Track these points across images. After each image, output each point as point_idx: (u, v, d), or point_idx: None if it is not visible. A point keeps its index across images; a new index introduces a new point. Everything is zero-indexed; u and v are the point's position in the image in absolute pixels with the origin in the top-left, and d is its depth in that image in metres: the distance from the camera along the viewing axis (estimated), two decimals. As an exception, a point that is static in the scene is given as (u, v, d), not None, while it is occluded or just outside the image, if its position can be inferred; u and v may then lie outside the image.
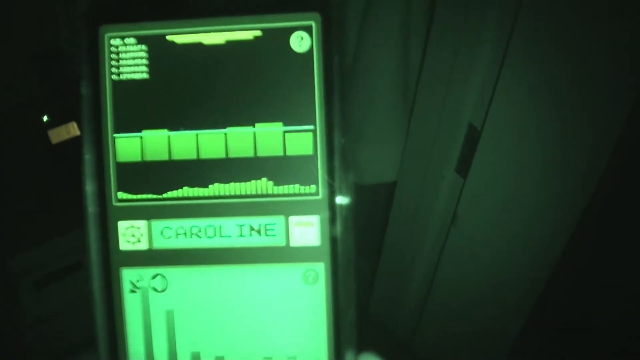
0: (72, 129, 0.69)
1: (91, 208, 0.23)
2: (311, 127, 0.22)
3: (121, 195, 0.23)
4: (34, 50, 0.76)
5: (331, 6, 0.22)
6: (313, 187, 0.22)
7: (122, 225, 0.23)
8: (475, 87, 0.64)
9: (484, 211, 0.69)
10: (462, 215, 0.71)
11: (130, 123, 0.23)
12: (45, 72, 0.77)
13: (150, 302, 0.23)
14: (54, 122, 0.68)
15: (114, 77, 0.23)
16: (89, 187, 0.23)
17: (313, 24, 0.22)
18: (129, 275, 0.23)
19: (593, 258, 0.60)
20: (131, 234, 0.23)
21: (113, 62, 0.23)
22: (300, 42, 0.22)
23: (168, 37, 0.22)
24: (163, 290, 0.23)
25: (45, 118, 0.68)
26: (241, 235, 0.23)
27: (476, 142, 0.65)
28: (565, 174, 0.59)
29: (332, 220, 0.22)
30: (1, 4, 0.72)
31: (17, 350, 0.66)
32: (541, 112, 0.59)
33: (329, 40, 0.22)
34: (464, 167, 0.68)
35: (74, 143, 0.67)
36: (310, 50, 0.22)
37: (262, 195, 0.22)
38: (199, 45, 0.22)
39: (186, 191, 0.23)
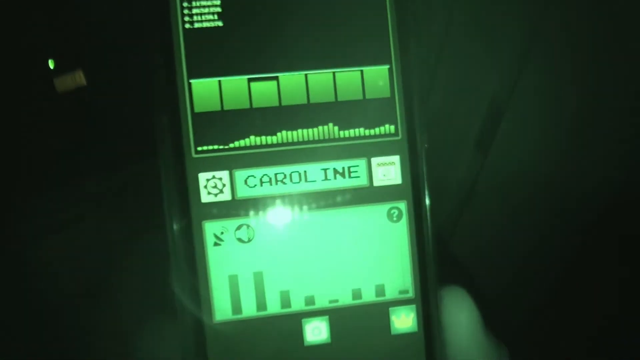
0: (79, 78, 0.64)
1: (168, 160, 0.22)
2: (387, 66, 0.23)
3: (201, 146, 0.22)
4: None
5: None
6: (392, 128, 0.23)
7: (203, 177, 0.22)
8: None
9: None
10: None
11: (206, 71, 0.22)
12: (51, 13, 0.71)
13: (235, 253, 0.22)
14: (60, 69, 0.63)
15: (186, 25, 0.22)
16: (165, 139, 0.22)
17: None
18: (212, 228, 0.22)
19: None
20: (213, 185, 0.22)
21: (185, 11, 0.22)
22: (373, -12, 0.23)
23: (241, -16, 0.22)
24: (249, 241, 0.23)
25: (51, 64, 0.63)
26: (326, 179, 0.23)
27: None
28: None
29: (412, 158, 0.23)
30: None
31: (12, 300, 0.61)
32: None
33: None
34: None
35: (80, 92, 0.63)
36: (383, -5, 0.23)
37: (344, 139, 0.23)
38: (273, -9, 0.22)
39: (269, 138, 0.23)
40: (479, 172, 0.55)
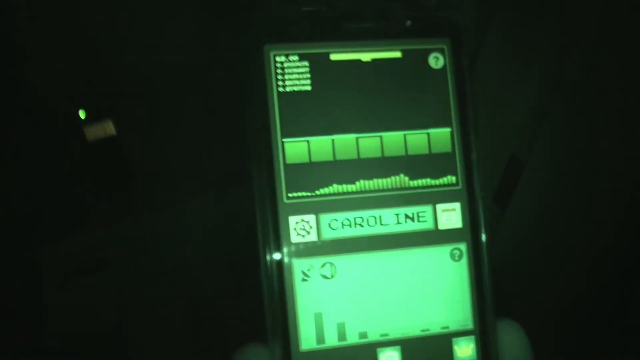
0: (109, 128, 0.67)
1: (264, 205, 0.25)
2: (449, 129, 0.27)
3: (291, 193, 0.25)
4: (71, 43, 0.73)
5: (458, 33, 0.27)
6: (453, 179, 0.27)
7: (293, 220, 0.25)
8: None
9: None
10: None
11: (297, 129, 0.26)
12: (80, 66, 0.74)
13: (320, 288, 0.25)
14: (91, 119, 0.66)
15: (280, 89, 0.26)
16: (262, 186, 0.25)
17: (445, 47, 0.27)
18: (300, 265, 0.25)
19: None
20: (301, 227, 0.25)
21: (278, 76, 0.26)
22: (436, 61, 0.27)
23: (326, 54, 0.26)
24: (332, 277, 0.26)
25: (82, 114, 0.66)
26: (398, 223, 0.26)
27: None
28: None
29: (470, 205, 0.27)
30: None
31: (37, 340, 0.61)
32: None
33: (459, 59, 0.27)
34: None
35: (110, 142, 0.65)
36: (444, 67, 0.27)
37: (413, 188, 0.26)
38: (353, 62, 0.26)
39: (349, 186, 0.26)
40: (498, 227, 0.59)
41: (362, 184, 0.26)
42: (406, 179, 0.26)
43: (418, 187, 0.26)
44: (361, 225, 0.26)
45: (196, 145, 0.72)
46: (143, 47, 0.78)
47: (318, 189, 0.26)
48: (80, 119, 0.68)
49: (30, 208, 0.65)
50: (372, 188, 0.26)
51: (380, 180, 0.26)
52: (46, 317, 0.64)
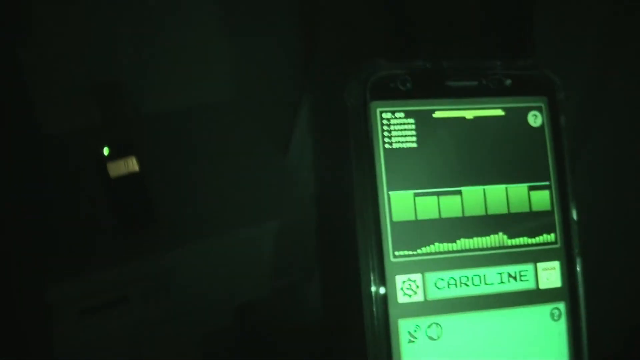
0: (132, 164, 0.65)
1: (372, 263, 0.25)
2: (548, 186, 0.27)
3: (398, 251, 0.25)
4: (95, 79, 0.72)
5: (555, 90, 0.28)
6: (553, 237, 0.27)
7: (400, 279, 0.25)
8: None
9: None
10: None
11: (402, 185, 0.25)
12: (105, 103, 0.72)
13: (426, 350, 0.25)
14: (113, 156, 0.65)
15: (387, 145, 0.26)
16: (369, 245, 0.25)
17: (542, 105, 0.27)
18: (406, 326, 0.25)
19: None
20: (408, 287, 0.25)
21: (385, 133, 0.26)
22: (534, 118, 0.27)
23: (430, 111, 0.26)
24: (438, 338, 0.25)
25: (105, 151, 0.64)
26: (501, 282, 0.26)
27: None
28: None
29: (569, 264, 0.27)
30: (65, 31, 0.67)
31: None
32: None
33: (556, 116, 0.27)
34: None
35: (132, 178, 0.64)
36: (543, 125, 0.27)
37: (516, 246, 0.26)
38: (456, 119, 0.27)
39: (454, 245, 0.26)
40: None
41: (463, 243, 0.26)
42: (505, 237, 0.26)
43: (517, 246, 0.26)
44: (466, 285, 0.26)
45: (222, 183, 0.71)
46: (173, 87, 0.78)
47: (421, 247, 0.25)
48: (104, 155, 0.67)
49: (49, 243, 0.63)
50: (472, 247, 0.26)
51: (480, 239, 0.26)
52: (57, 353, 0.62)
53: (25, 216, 0.65)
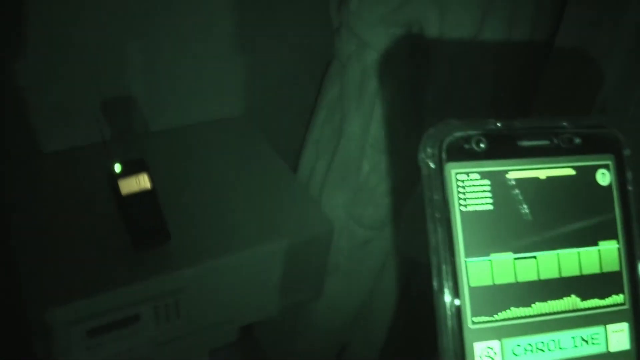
0: (144, 181, 0.63)
1: (449, 331, 0.24)
2: (617, 245, 0.27)
3: (476, 317, 0.25)
4: (105, 95, 0.71)
5: (622, 148, 0.28)
6: (622, 297, 0.27)
7: (478, 347, 0.25)
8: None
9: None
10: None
11: (479, 249, 0.25)
12: (115, 119, 0.71)
13: (504, 418, 0.24)
14: (125, 173, 0.63)
15: (462, 208, 0.25)
16: (447, 311, 0.24)
17: (610, 162, 0.27)
18: (485, 395, 0.24)
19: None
20: (487, 355, 0.25)
21: (460, 195, 0.25)
22: (603, 177, 0.27)
23: (504, 172, 0.26)
24: (515, 406, 0.25)
25: (117, 167, 0.63)
26: (575, 346, 0.26)
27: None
28: None
29: (637, 325, 0.27)
30: (74, 46, 0.66)
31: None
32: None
33: (623, 173, 0.27)
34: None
35: (144, 195, 0.63)
36: (610, 183, 0.27)
37: (588, 309, 0.26)
38: (530, 179, 0.26)
39: (530, 309, 0.25)
40: None
41: (538, 307, 0.25)
42: (577, 299, 0.26)
43: (588, 308, 0.26)
44: (542, 350, 0.25)
45: (232, 201, 0.70)
46: (182, 102, 0.76)
47: (498, 313, 0.25)
48: (115, 172, 0.65)
49: (57, 259, 0.61)
50: (547, 311, 0.26)
51: (554, 302, 0.26)
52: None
53: (32, 232, 0.63)
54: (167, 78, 0.74)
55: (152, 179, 0.64)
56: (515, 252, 0.25)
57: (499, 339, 0.25)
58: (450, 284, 0.24)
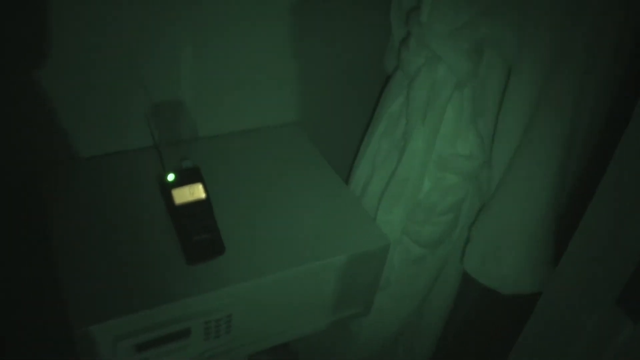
0: (198, 191, 0.62)
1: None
2: None
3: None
4: (155, 100, 0.70)
5: None
6: None
7: None
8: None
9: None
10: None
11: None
12: (164, 124, 0.70)
13: None
14: (179, 182, 0.62)
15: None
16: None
17: None
18: None
19: None
20: None
21: None
22: None
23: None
24: None
25: (170, 176, 0.61)
26: None
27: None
28: None
29: None
30: (126, 50, 0.65)
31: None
32: None
33: None
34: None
35: (198, 206, 0.62)
36: None
37: None
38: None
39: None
40: None
41: None
42: None
43: None
44: None
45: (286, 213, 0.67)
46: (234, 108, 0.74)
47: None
48: (168, 181, 0.63)
49: (110, 272, 0.59)
50: None
51: None
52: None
53: (77, 241, 0.61)
54: (218, 84, 0.72)
55: (207, 189, 0.62)
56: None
57: None
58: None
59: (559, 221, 0.64)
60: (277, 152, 0.76)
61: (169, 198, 0.62)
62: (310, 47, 0.76)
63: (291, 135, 0.80)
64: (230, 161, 0.73)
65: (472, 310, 0.83)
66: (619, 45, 0.54)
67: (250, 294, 0.62)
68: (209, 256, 0.61)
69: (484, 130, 0.64)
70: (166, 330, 0.59)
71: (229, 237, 0.62)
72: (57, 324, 0.63)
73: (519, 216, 0.62)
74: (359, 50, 0.79)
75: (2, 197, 0.68)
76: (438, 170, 0.66)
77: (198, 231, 0.61)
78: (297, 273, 0.63)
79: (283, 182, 0.71)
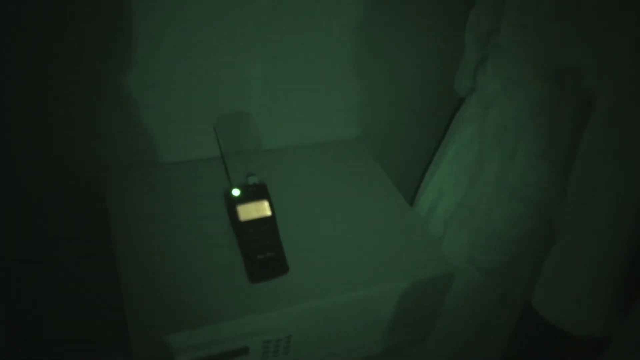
0: (263, 208, 0.61)
1: None
2: None
3: None
4: (223, 111, 0.70)
5: None
6: None
7: None
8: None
9: None
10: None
11: None
12: (230, 135, 0.71)
13: None
14: (244, 198, 0.61)
15: None
16: None
17: None
18: None
19: None
20: None
21: None
22: None
23: None
24: None
25: (236, 192, 0.61)
26: None
27: None
28: None
29: None
30: (197, 64, 0.65)
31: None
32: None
33: None
34: None
35: (263, 223, 0.62)
36: None
37: None
38: None
39: None
40: None
41: None
42: None
43: None
44: None
45: (349, 234, 0.66)
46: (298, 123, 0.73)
47: None
48: (234, 196, 0.62)
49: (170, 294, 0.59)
50: None
51: None
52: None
53: (139, 251, 0.61)
54: (284, 99, 0.71)
55: (273, 207, 0.61)
56: None
57: None
58: None
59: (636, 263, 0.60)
60: (341, 168, 0.75)
61: (233, 213, 0.61)
62: (378, 65, 0.74)
63: (355, 152, 0.78)
64: (294, 176, 0.72)
65: (529, 346, 0.80)
66: None
67: (311, 315, 0.60)
68: (272, 275, 0.60)
69: (559, 160, 0.61)
70: (224, 348, 0.58)
71: (291, 256, 0.61)
72: (118, 330, 0.64)
73: (596, 255, 0.59)
74: (428, 71, 0.77)
75: (69, 199, 0.69)
76: (509, 198, 0.63)
77: (262, 249, 0.60)
78: (358, 296, 0.62)
79: (347, 200, 0.70)
